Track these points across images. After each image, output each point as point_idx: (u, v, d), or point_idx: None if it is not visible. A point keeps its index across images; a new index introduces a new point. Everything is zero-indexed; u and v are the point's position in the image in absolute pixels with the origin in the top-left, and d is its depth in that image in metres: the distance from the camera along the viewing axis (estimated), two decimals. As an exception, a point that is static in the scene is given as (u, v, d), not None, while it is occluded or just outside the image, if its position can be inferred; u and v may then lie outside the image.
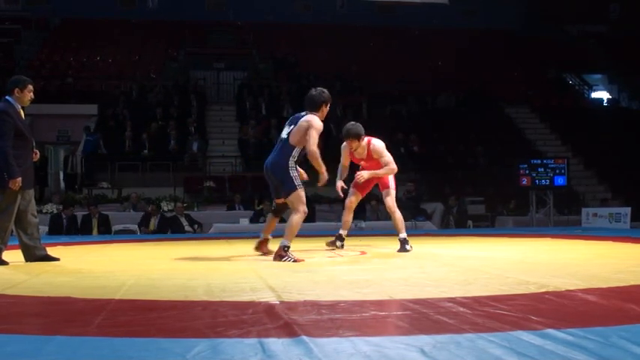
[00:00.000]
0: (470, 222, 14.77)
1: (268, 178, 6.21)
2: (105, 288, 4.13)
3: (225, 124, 20.01)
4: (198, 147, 17.72)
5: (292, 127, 6.04)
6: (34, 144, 6.10)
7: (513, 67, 24.91)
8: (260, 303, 3.39)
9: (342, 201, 7.49)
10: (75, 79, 21.02)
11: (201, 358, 2.29)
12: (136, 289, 4.04)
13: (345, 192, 7.11)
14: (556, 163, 14.40)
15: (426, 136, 19.34)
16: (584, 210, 14.49)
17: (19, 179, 5.74)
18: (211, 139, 18.92)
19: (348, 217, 7.22)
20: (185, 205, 14.22)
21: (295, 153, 5.97)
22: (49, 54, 23.01)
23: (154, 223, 12.92)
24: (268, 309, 3.21)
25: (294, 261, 5.71)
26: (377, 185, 7.22)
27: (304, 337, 2.53)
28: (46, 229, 12.21)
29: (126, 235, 12.32)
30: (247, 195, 15.55)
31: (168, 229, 12.84)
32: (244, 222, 13.26)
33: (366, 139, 6.88)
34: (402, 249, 6.75)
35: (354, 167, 7.23)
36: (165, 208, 13.68)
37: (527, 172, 14.16)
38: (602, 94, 25.75)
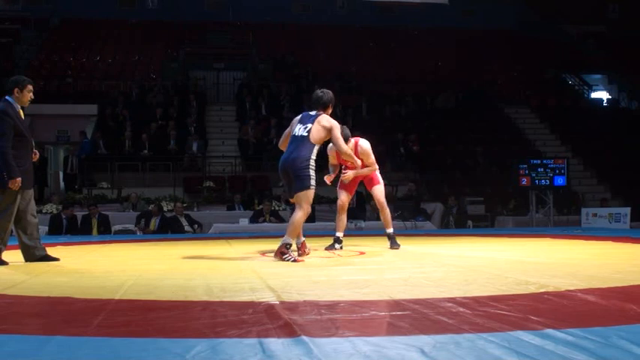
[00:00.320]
0: (470, 222, 14.78)
1: (284, 174, 6.18)
2: (104, 288, 4.13)
3: (224, 124, 20.01)
4: (198, 147, 17.72)
5: (308, 125, 6.08)
6: (33, 144, 6.10)
7: (513, 67, 24.92)
8: (260, 303, 3.39)
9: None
10: (74, 79, 21.01)
11: (201, 358, 2.29)
12: (135, 289, 4.04)
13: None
14: (556, 163, 14.40)
15: (426, 136, 19.34)
16: (583, 210, 14.51)
17: (19, 179, 5.74)
18: (211, 139, 18.92)
19: (342, 217, 7.24)
20: (185, 205, 14.21)
21: (315, 151, 6.04)
22: (48, 54, 23.00)
23: (154, 223, 12.91)
24: (268, 309, 3.21)
25: (294, 260, 5.74)
26: (361, 183, 7.44)
27: (304, 337, 2.53)
28: (46, 229, 12.21)
29: (125, 235, 12.31)
30: (247, 195, 15.56)
31: (169, 229, 12.84)
32: (244, 222, 13.26)
33: (353, 140, 6.96)
34: (394, 244, 7.13)
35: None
36: (165, 208, 13.67)
37: (526, 172, 14.16)
38: (602, 94, 25.74)
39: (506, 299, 3.44)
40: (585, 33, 27.52)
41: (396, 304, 3.39)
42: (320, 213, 13.74)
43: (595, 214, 13.86)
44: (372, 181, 7.27)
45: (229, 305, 3.40)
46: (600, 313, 3.14)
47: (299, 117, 6.30)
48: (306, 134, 6.03)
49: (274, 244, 8.13)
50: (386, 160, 16.14)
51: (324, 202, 14.17)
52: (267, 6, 26.09)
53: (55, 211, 13.35)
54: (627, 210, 13.28)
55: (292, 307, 3.29)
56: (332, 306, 3.30)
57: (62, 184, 17.88)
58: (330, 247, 7.09)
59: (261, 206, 13.98)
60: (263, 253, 6.85)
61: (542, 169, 14.16)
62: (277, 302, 3.41)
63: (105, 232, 12.64)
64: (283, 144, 6.35)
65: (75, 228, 12.69)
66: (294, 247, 6.20)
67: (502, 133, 20.08)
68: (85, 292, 3.95)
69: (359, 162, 6.67)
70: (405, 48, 24.78)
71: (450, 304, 3.26)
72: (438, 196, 16.26)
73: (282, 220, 13.54)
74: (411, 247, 7.69)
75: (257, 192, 15.75)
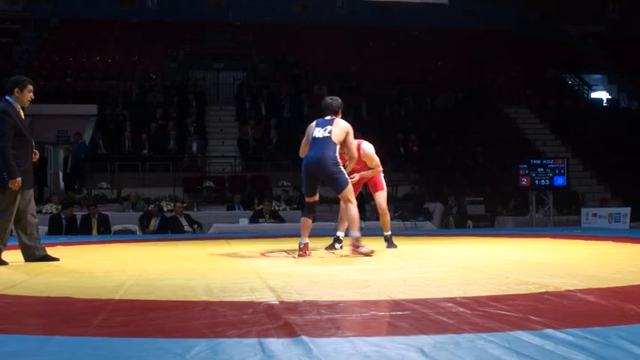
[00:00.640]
0: (469, 222, 14.78)
1: (311, 173, 6.41)
2: (104, 288, 4.13)
3: (224, 124, 20.01)
4: (198, 147, 17.72)
5: (328, 127, 6.41)
6: (33, 144, 6.10)
7: (513, 67, 24.92)
8: (259, 303, 3.39)
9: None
10: (74, 79, 21.00)
11: (201, 358, 2.29)
12: (135, 289, 4.04)
13: None
14: (555, 163, 14.41)
15: (425, 136, 19.35)
16: (583, 210, 14.51)
17: (19, 179, 5.74)
18: (211, 139, 18.92)
19: (343, 217, 7.23)
20: (185, 205, 14.21)
21: (338, 150, 6.38)
22: (48, 54, 22.99)
23: (154, 223, 12.92)
24: (268, 309, 3.21)
25: (367, 253, 6.19)
26: (365, 185, 7.55)
27: (304, 337, 2.53)
28: (46, 229, 12.21)
29: (125, 236, 12.31)
30: (247, 195, 15.56)
31: (169, 229, 12.84)
32: (244, 222, 13.26)
33: (356, 142, 6.98)
34: (391, 244, 7.31)
35: None
36: (165, 209, 13.67)
37: (526, 172, 14.17)
38: (602, 94, 25.75)
39: (506, 299, 3.44)
40: (585, 33, 27.53)
41: (396, 304, 3.39)
42: (320, 213, 13.72)
43: (595, 214, 13.86)
44: (376, 186, 7.36)
45: (229, 305, 3.40)
46: (600, 313, 3.13)
47: (314, 123, 6.60)
48: (328, 135, 6.36)
49: (274, 244, 8.14)
50: (386, 160, 16.13)
51: (324, 202, 14.17)
52: (267, 6, 26.08)
53: (54, 211, 13.35)
54: (627, 210, 13.28)
55: (292, 307, 3.29)
56: (332, 306, 3.30)
57: (62, 184, 17.88)
58: (330, 247, 7.09)
59: (260, 206, 13.98)
60: (263, 253, 6.85)
61: (542, 169, 14.17)
62: (277, 302, 3.41)
63: (105, 232, 12.63)
64: (303, 151, 6.67)
65: (74, 228, 12.68)
66: (291, 246, 6.21)
67: (502, 133, 20.07)
68: (84, 292, 3.95)
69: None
70: (405, 48, 24.77)
71: (449, 304, 3.26)
72: (438, 196, 16.26)
73: (281, 220, 13.55)
74: (410, 247, 7.70)
75: (257, 192, 15.75)
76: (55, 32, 25.20)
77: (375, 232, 10.26)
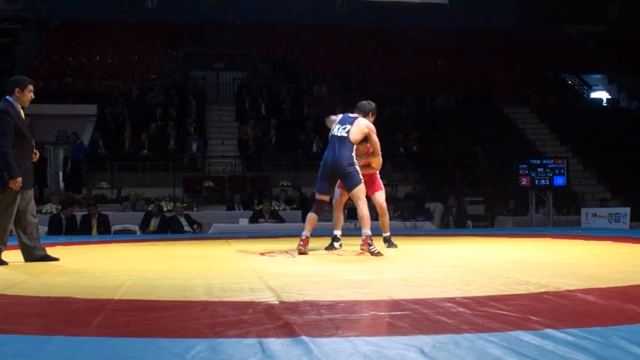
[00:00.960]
0: (469, 222, 14.78)
1: (327, 173, 6.64)
2: (104, 288, 4.13)
3: (224, 124, 20.01)
4: (198, 147, 17.72)
5: (347, 126, 6.63)
6: (34, 144, 6.10)
7: (513, 67, 24.92)
8: (259, 303, 3.39)
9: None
10: (74, 79, 21.01)
11: (201, 359, 2.29)
12: (135, 289, 4.04)
13: None
14: (555, 163, 14.41)
15: (425, 136, 19.35)
16: (583, 210, 14.51)
17: (20, 179, 5.74)
18: (211, 139, 18.92)
19: (338, 215, 7.20)
20: (184, 205, 14.21)
21: (354, 149, 6.58)
22: (48, 54, 23.00)
23: (154, 223, 12.91)
24: (268, 309, 3.21)
25: (377, 253, 6.23)
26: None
27: (304, 337, 2.53)
28: (46, 229, 12.20)
29: (125, 236, 12.31)
30: (247, 195, 15.56)
31: (169, 229, 12.84)
32: (244, 222, 13.26)
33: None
34: (391, 244, 7.29)
35: None
36: (165, 209, 13.67)
37: (526, 172, 14.17)
38: (602, 94, 25.75)
39: (506, 299, 3.44)
40: (585, 33, 27.54)
41: (396, 304, 3.39)
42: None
43: (595, 214, 13.87)
44: (373, 186, 7.16)
45: (229, 305, 3.40)
46: (600, 313, 3.13)
47: (340, 116, 6.85)
48: (345, 134, 6.58)
49: (274, 244, 8.14)
50: (386, 161, 16.13)
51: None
52: (267, 6, 26.09)
53: (54, 211, 13.35)
54: (627, 210, 13.29)
55: (292, 307, 3.29)
56: (332, 306, 3.29)
57: (62, 184, 17.87)
58: (330, 247, 7.08)
59: (260, 206, 13.98)
60: (263, 253, 6.85)
61: (541, 169, 14.17)
62: (277, 302, 3.41)
63: (104, 232, 12.63)
64: (329, 123, 6.98)
65: (74, 228, 12.68)
66: (290, 246, 6.23)
67: (502, 133, 20.08)
68: (84, 292, 3.95)
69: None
70: (405, 48, 24.77)
71: (449, 304, 3.26)
72: (438, 196, 16.25)
73: (281, 220, 13.54)
74: (410, 247, 7.69)
75: (257, 192, 15.75)
76: (55, 32, 25.22)
77: (375, 233, 10.28)
